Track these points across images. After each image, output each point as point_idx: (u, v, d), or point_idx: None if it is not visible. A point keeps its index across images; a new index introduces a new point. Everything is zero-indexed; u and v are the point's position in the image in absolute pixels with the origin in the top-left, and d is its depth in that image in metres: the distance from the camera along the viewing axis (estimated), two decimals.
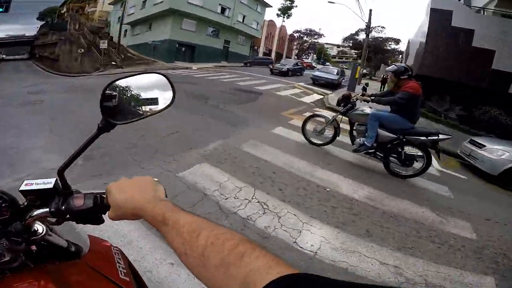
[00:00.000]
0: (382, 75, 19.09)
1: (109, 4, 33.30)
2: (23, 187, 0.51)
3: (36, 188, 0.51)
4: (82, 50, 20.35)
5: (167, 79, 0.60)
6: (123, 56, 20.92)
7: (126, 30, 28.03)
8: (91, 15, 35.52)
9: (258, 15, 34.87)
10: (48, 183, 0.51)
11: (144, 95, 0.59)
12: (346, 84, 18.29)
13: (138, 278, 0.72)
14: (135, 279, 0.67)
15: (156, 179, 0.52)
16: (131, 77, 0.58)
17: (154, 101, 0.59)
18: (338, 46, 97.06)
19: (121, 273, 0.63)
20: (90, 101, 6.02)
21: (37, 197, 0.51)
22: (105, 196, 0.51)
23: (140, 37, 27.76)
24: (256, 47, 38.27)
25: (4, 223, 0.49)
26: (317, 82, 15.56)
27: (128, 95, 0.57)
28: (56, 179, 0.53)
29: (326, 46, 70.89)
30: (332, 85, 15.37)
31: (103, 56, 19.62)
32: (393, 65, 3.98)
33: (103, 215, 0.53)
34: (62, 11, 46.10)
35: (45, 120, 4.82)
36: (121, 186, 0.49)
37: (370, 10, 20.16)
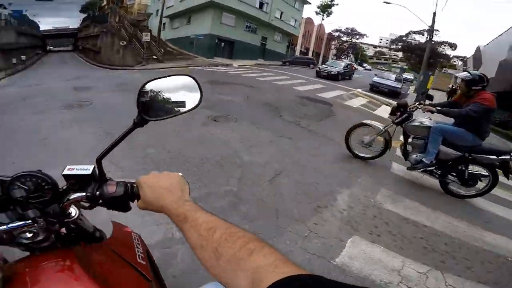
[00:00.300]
0: (451, 85, 16.40)
1: None
2: (65, 172, 0.54)
3: (76, 173, 0.54)
4: (124, 42, 19.91)
5: (195, 81, 0.64)
6: (162, 50, 20.24)
7: (164, 23, 27.58)
8: (130, 8, 35.60)
9: (296, 11, 33.03)
10: (87, 169, 0.55)
11: (174, 95, 0.62)
12: (405, 92, 16.14)
13: (153, 262, 0.78)
14: (150, 263, 0.72)
15: (181, 174, 0.56)
16: (163, 78, 0.61)
17: (182, 101, 0.62)
18: (374, 46, 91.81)
19: (138, 257, 0.68)
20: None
21: (76, 182, 0.55)
22: (135, 186, 0.55)
23: (179, 31, 27.18)
24: (293, 45, 36.43)
25: (44, 204, 0.53)
26: (377, 89, 13.66)
27: (160, 94, 0.60)
28: (94, 167, 0.56)
29: (362, 46, 66.94)
30: (394, 94, 13.44)
31: (145, 49, 19.07)
32: (466, 72, 3.39)
33: (131, 203, 0.57)
34: (103, 4, 47.39)
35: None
36: (152, 183, 0.52)
37: (434, 13, 17.55)
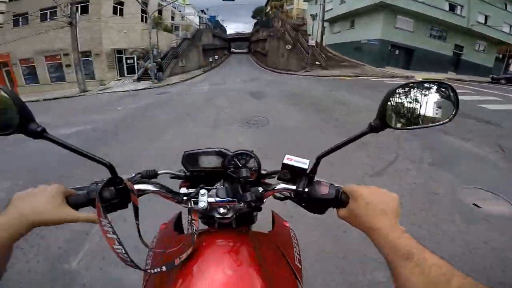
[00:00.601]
0: None
1: (304, 1, 33.04)
2: (284, 160, 0.56)
3: (294, 164, 0.56)
4: (289, 46, 20.55)
5: (452, 91, 0.53)
6: (324, 56, 19.31)
7: (323, 28, 26.82)
8: (290, 13, 36.51)
9: (510, 15, 23.09)
10: (304, 163, 0.56)
11: (424, 104, 0.53)
12: None
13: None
14: None
15: (398, 196, 0.49)
16: (414, 83, 0.53)
17: (436, 112, 0.54)
18: None
19: (296, 259, 0.65)
20: None
21: (291, 173, 0.56)
22: (345, 193, 0.52)
23: (340, 36, 25.46)
24: (503, 56, 26.11)
25: (248, 184, 0.56)
26: None
27: (408, 101, 0.53)
28: (309, 162, 0.56)
29: None
30: None
31: (309, 55, 18.83)
32: None
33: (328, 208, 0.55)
34: (267, 10, 52.91)
35: None
36: (370, 199, 0.47)
37: None
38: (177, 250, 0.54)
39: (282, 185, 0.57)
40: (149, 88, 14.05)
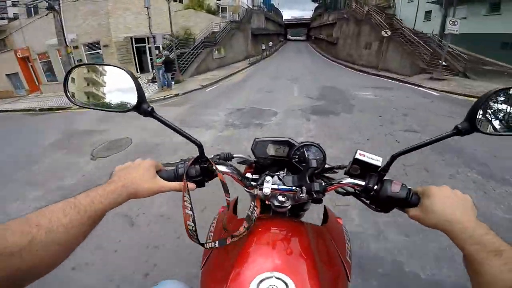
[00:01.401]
0: None
1: None
2: (356, 155, 0.55)
3: (367, 160, 0.54)
4: (387, 33, 12.42)
5: None
6: (454, 55, 10.87)
7: (429, 12, 17.22)
8: None
9: None
10: (377, 160, 0.54)
11: None
12: None
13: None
14: None
15: (469, 196, 0.47)
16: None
17: None
18: None
19: (347, 254, 0.65)
20: None
21: (361, 168, 0.55)
22: (415, 193, 0.51)
23: (467, 24, 15.86)
24: None
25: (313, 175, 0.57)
26: None
27: (507, 106, 0.48)
28: (382, 160, 0.55)
29: None
30: None
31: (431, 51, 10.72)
32: None
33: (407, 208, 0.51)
34: None
35: None
36: (445, 195, 0.46)
37: None
38: (233, 231, 0.55)
39: (350, 180, 0.56)
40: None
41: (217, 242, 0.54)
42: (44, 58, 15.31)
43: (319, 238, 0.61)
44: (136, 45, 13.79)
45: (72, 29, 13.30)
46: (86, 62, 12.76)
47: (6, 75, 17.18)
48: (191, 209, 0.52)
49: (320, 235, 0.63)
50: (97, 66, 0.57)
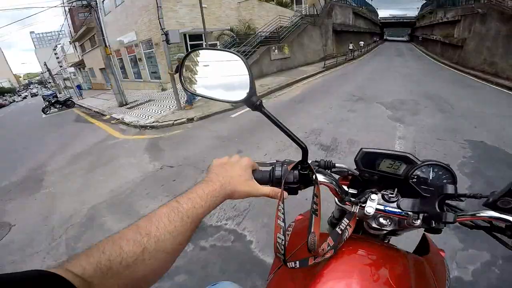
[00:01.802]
0: None
1: None
2: None
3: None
4: None
5: None
6: None
7: None
8: None
9: None
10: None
11: None
12: None
13: None
14: None
15: None
16: None
17: None
18: None
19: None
20: None
21: None
22: None
23: None
24: None
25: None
26: None
27: None
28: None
29: None
30: None
31: None
32: None
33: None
34: None
35: None
36: None
37: None
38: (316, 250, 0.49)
39: (495, 214, 0.45)
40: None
41: (298, 262, 0.48)
42: (118, 55, 15.50)
43: (419, 271, 0.51)
44: (191, 42, 11.93)
45: (132, 26, 12.57)
46: (159, 58, 11.01)
47: (100, 69, 18.67)
48: (283, 220, 0.46)
49: (421, 267, 0.53)
50: (213, 51, 0.56)
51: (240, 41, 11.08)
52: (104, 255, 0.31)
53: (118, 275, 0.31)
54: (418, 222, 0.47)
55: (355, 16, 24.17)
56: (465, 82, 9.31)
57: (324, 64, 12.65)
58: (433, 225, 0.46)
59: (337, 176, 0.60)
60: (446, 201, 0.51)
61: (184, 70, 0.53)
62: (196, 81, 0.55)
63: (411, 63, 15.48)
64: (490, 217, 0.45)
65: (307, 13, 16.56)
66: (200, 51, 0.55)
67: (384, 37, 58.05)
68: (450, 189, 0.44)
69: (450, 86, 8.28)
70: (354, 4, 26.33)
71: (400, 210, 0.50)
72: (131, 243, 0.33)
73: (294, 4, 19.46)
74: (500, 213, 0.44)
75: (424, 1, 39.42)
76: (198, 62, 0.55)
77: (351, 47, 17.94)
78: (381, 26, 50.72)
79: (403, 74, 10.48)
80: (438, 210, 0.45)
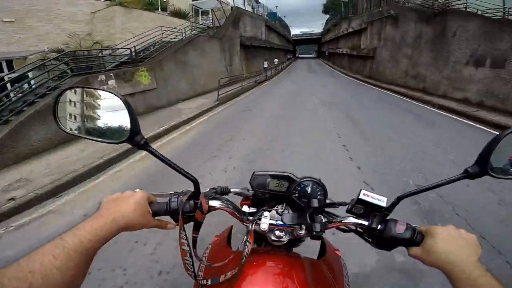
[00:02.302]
0: None
1: None
2: (361, 196, 0.54)
3: (371, 201, 0.53)
4: None
5: None
6: None
7: None
8: None
9: None
10: (382, 201, 0.53)
11: None
12: None
13: None
14: None
15: (476, 237, 0.46)
16: None
17: None
18: None
19: (345, 286, 0.66)
20: None
21: (365, 208, 0.54)
22: (420, 233, 0.50)
23: None
24: None
25: (314, 213, 0.54)
26: None
27: None
28: (391, 202, 0.53)
29: None
30: None
31: None
32: None
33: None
34: None
35: None
36: (449, 236, 0.46)
37: None
38: (225, 266, 0.54)
39: (353, 219, 0.56)
40: None
41: (209, 280, 0.53)
42: None
43: (316, 273, 0.58)
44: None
45: None
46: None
47: None
48: (188, 245, 0.52)
49: (318, 269, 0.60)
50: (91, 90, 0.55)
51: (79, 65, 6.36)
52: None
53: None
54: (302, 232, 0.55)
55: (269, 30, 22.54)
56: (386, 101, 7.51)
57: (218, 96, 8.02)
58: (314, 233, 0.51)
59: (239, 199, 0.68)
60: (326, 209, 0.60)
61: (59, 108, 0.50)
62: (73, 121, 0.53)
63: (324, 79, 14.20)
64: (350, 222, 0.56)
65: (212, 26, 13.23)
66: (76, 89, 0.53)
67: (297, 55, 60.89)
68: (314, 203, 0.53)
69: (374, 107, 6.08)
70: (267, 18, 24.91)
71: (287, 223, 0.56)
72: (14, 280, 0.32)
73: (200, 16, 15.99)
74: (356, 218, 0.55)
75: (328, 16, 41.73)
76: (75, 100, 0.53)
77: (265, 65, 15.77)
78: (293, 44, 52.88)
79: (323, 100, 7.96)
80: (309, 222, 0.52)
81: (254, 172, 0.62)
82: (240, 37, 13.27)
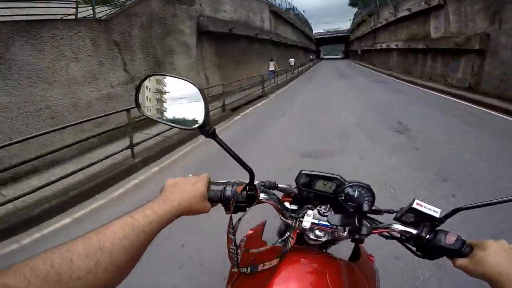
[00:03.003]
0: None
1: None
2: (414, 205, 0.53)
3: (424, 210, 0.52)
4: None
5: None
6: None
7: None
8: None
9: None
10: (435, 212, 0.52)
11: None
12: None
13: None
14: None
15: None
16: None
17: None
18: None
19: None
20: None
21: (415, 217, 0.54)
22: (469, 246, 0.49)
23: None
24: None
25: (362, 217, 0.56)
26: None
27: None
28: (441, 212, 0.53)
29: None
30: None
31: None
32: None
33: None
34: None
35: None
36: (499, 247, 0.46)
37: None
38: (261, 257, 0.56)
39: (400, 227, 0.56)
40: None
41: (249, 268, 0.56)
42: None
43: (351, 275, 0.59)
44: None
45: None
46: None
47: None
48: (233, 234, 0.54)
49: (353, 272, 0.61)
50: (171, 78, 0.56)
51: None
52: (53, 269, 0.30)
53: (68, 286, 0.30)
54: (345, 234, 0.56)
55: (276, 19, 15.86)
56: None
57: None
58: (356, 236, 0.54)
59: (281, 194, 0.68)
60: (368, 215, 0.60)
61: (141, 93, 0.54)
62: (152, 105, 0.55)
63: (371, 91, 8.27)
64: (398, 229, 0.55)
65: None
66: (157, 76, 0.55)
67: (321, 56, 54.47)
68: (366, 207, 0.55)
69: None
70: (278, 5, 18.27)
71: (329, 224, 0.58)
72: (83, 257, 0.32)
73: None
74: (405, 226, 0.55)
75: (357, 8, 34.50)
76: (155, 87, 0.55)
77: (272, 68, 11.37)
78: (316, 43, 45.95)
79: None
80: (357, 225, 0.53)
81: (301, 171, 0.62)
82: (198, 18, 6.71)
